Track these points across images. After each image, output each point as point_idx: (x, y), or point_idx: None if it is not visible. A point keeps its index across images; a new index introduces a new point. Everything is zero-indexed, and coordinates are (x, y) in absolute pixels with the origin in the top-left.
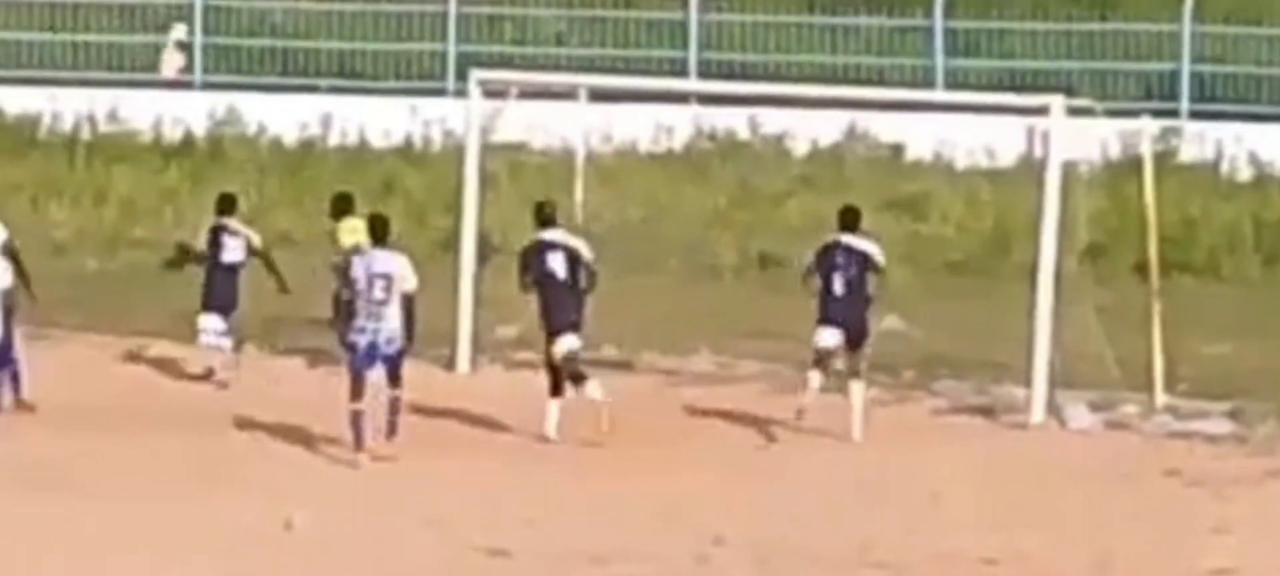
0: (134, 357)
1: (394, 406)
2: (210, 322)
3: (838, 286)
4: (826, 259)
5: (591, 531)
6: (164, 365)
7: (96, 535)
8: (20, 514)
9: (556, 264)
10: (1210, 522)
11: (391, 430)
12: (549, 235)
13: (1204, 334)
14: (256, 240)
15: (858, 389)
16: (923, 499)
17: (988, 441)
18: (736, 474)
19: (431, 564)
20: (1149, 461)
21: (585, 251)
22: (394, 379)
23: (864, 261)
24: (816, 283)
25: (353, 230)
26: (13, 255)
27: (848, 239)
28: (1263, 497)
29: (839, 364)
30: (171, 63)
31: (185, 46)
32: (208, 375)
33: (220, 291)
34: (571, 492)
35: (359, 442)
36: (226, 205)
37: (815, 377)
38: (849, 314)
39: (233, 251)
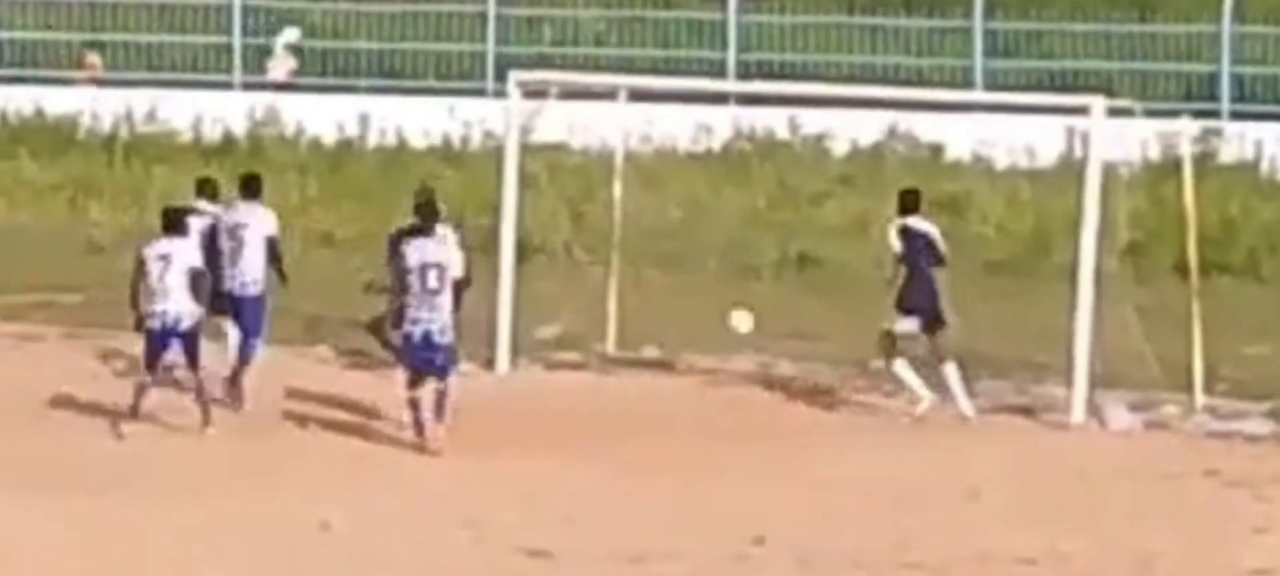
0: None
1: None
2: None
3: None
4: (909, 242)
5: (630, 531)
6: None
7: (133, 535)
8: (63, 512)
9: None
10: (1250, 522)
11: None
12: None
13: (1244, 334)
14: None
15: (952, 370)
16: (961, 498)
17: (1027, 441)
18: (776, 474)
19: (470, 564)
20: (1189, 461)
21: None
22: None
23: (929, 245)
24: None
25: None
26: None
27: (912, 221)
28: None
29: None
30: (283, 65)
31: (297, 50)
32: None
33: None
34: (610, 493)
35: (419, 430)
36: (204, 188)
37: (902, 366)
38: (925, 295)
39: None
